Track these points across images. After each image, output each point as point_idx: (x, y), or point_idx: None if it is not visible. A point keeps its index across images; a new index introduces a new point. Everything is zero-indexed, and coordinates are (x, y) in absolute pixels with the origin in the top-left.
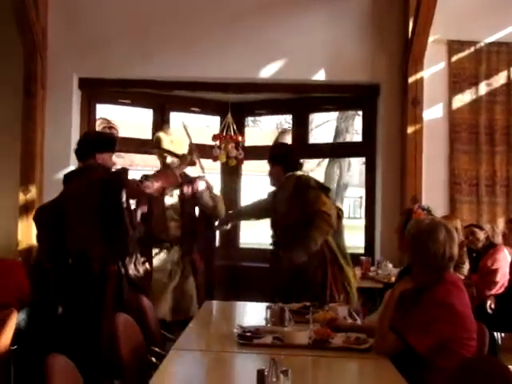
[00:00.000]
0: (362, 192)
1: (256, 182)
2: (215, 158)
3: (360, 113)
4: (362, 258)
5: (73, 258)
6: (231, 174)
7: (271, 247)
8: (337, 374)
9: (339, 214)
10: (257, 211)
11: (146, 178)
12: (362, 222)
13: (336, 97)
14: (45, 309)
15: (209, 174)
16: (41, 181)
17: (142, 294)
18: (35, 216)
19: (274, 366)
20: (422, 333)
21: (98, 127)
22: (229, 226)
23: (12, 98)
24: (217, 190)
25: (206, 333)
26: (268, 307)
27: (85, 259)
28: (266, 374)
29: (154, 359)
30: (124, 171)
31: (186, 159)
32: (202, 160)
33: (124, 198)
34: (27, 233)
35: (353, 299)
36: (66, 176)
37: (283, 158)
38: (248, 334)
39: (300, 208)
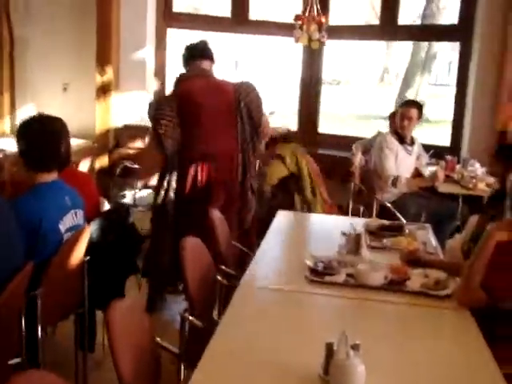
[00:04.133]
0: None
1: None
2: (297, 39)
3: None
4: (447, 156)
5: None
6: (312, 56)
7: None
8: (409, 323)
9: None
10: None
11: None
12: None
13: None
14: (117, 218)
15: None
16: (117, 61)
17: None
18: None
19: (344, 339)
20: None
21: None
22: None
23: None
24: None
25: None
26: (343, 233)
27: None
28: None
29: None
30: None
31: None
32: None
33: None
34: (104, 116)
35: None
36: (181, 76)
37: None
38: (319, 268)
39: None
